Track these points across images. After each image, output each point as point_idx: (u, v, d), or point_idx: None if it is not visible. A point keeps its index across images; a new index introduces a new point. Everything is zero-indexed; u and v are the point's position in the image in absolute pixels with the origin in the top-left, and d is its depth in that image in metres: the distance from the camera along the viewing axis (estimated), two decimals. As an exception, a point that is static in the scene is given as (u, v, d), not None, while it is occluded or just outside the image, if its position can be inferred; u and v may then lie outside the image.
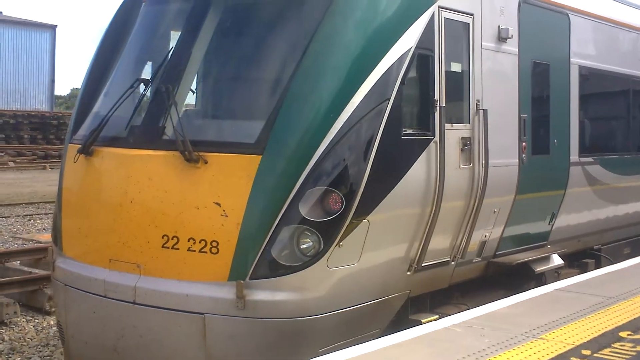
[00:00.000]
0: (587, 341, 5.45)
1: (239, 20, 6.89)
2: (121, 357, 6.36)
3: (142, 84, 6.91)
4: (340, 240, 5.93)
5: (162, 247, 6.16)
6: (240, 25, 6.88)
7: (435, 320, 6.43)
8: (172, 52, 6.88)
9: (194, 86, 7.00)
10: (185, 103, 6.82)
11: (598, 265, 9.75)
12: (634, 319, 6.10)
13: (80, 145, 6.88)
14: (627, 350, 5.25)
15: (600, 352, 5.22)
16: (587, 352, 5.19)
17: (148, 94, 6.89)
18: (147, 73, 7.18)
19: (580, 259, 9.92)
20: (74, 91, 69.42)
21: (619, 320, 6.05)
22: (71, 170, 7.08)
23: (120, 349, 6.34)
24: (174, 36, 7.24)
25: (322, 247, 5.85)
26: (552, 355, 5.12)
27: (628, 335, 5.63)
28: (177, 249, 6.09)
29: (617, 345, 5.39)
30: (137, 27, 7.54)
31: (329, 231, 5.88)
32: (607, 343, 5.42)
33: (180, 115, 6.43)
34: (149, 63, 7.33)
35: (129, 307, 6.22)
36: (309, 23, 6.35)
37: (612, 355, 5.14)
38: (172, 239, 6.11)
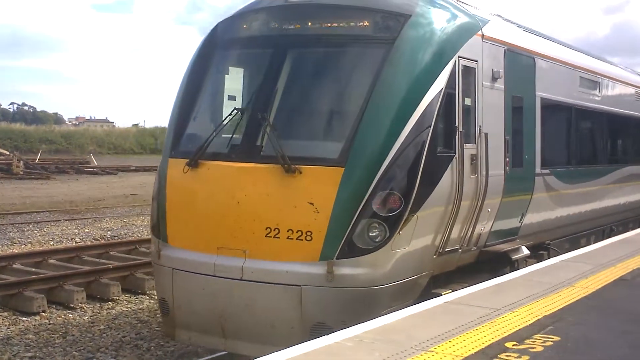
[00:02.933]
0: (475, 352, 5.55)
1: (317, 64, 9.14)
2: (226, 322, 8.23)
3: (239, 112, 8.74)
4: (400, 230, 7.88)
5: (265, 236, 8.02)
6: (318, 67, 9.12)
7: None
8: (261, 88, 8.87)
9: (284, 115, 8.73)
10: (277, 128, 8.46)
11: (548, 256, 11.57)
12: (519, 329, 6.26)
13: (183, 159, 8.71)
14: (513, 361, 5.39)
15: (488, 363, 5.33)
16: (475, 364, 5.29)
17: (245, 120, 8.71)
18: (233, 104, 9.20)
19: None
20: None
21: (504, 331, 6.19)
22: (178, 179, 8.78)
23: (226, 315, 8.20)
24: (253, 75, 9.50)
25: (387, 234, 7.81)
26: (442, 367, 5.19)
27: (513, 345, 5.77)
28: (278, 237, 7.96)
29: (503, 355, 5.51)
30: (221, 67, 9.65)
31: (393, 223, 7.86)
32: (493, 354, 5.54)
33: (277, 138, 8.19)
34: (234, 96, 9.54)
35: (237, 283, 8.08)
36: (373, 69, 8.35)
37: (498, 366, 5.25)
38: (273, 230, 7.98)
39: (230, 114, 8.74)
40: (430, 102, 8.30)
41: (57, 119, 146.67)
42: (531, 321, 6.55)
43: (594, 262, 9.94)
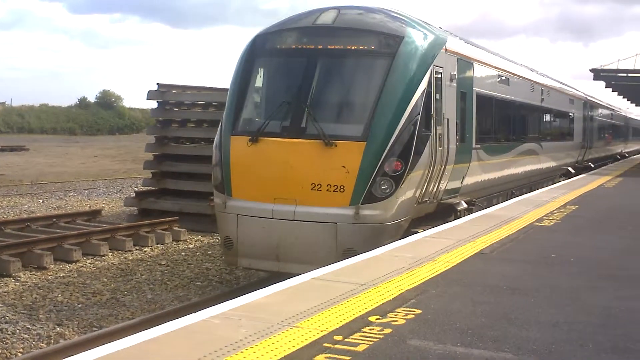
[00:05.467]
0: (339, 327, 5.67)
1: (339, 70, 12.34)
2: (280, 251, 11.42)
3: (286, 103, 11.93)
4: (401, 184, 11.31)
5: (311, 190, 11.30)
6: (341, 72, 12.37)
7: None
8: (300, 86, 11.99)
9: (319, 106, 11.95)
10: (316, 115, 11.68)
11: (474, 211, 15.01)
12: (382, 303, 6.44)
13: (244, 137, 11.83)
14: (376, 334, 5.53)
15: (351, 336, 5.44)
16: (339, 338, 5.39)
17: (291, 109, 11.85)
18: (276, 98, 12.32)
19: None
20: None
21: (368, 305, 6.35)
22: (242, 149, 11.81)
23: (281, 246, 11.39)
24: (291, 77, 12.50)
25: (394, 188, 11.24)
26: (306, 342, 5.26)
27: (377, 319, 5.93)
28: (320, 190, 11.27)
29: (366, 329, 5.65)
30: (265, 66, 12.79)
31: (397, 180, 11.28)
32: (357, 328, 5.67)
33: (318, 121, 11.51)
34: (276, 92, 12.55)
35: (290, 222, 11.29)
36: (381, 74, 11.72)
37: (361, 340, 5.37)
38: (317, 185, 11.29)
39: (280, 105, 11.97)
40: (418, 98, 11.71)
41: None
42: (394, 295, 6.74)
43: (456, 237, 10.35)
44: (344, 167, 11.19)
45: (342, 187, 11.16)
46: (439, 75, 12.73)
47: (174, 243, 17.64)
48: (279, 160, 11.50)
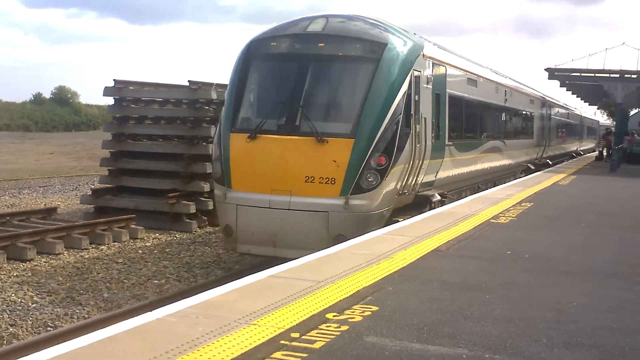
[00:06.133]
0: (297, 324, 5.68)
1: (329, 73, 13.50)
2: (276, 237, 12.45)
3: (282, 103, 13.02)
4: (386, 177, 12.47)
5: (305, 182, 12.37)
6: (331, 75, 13.52)
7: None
8: (293, 88, 13.09)
9: (312, 106, 13.04)
10: (309, 114, 12.80)
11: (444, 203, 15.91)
12: (339, 301, 6.46)
13: (243, 134, 12.90)
14: (333, 331, 5.55)
15: (308, 334, 5.46)
16: (296, 335, 5.40)
17: (286, 109, 12.95)
18: (271, 99, 13.48)
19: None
20: None
21: (326, 302, 6.37)
22: (241, 146, 12.86)
23: (278, 233, 12.44)
24: (284, 79, 13.60)
25: (379, 180, 12.40)
26: (263, 340, 5.25)
27: (334, 316, 5.95)
28: (313, 182, 12.35)
29: (323, 326, 5.66)
30: (261, 69, 13.83)
31: (382, 173, 12.44)
32: (314, 325, 5.68)
33: (311, 120, 12.58)
34: (271, 93, 13.61)
35: (285, 211, 12.36)
36: (367, 77, 12.83)
37: (318, 337, 5.39)
38: (310, 177, 12.37)
39: (276, 105, 13.10)
40: (400, 99, 12.86)
41: None
42: (351, 292, 6.77)
43: (414, 234, 10.42)
44: (334, 161, 12.33)
45: (333, 179, 12.31)
46: (418, 79, 13.93)
47: (131, 241, 17.47)
48: (276, 155, 12.60)
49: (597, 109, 66.51)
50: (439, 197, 15.49)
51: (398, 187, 13.20)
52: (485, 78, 22.01)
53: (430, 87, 14.94)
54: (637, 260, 9.60)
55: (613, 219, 13.99)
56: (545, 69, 35.91)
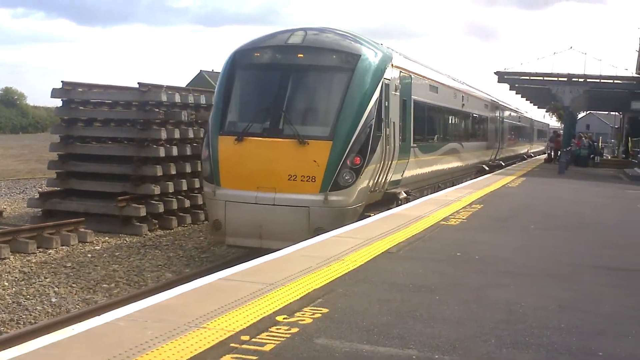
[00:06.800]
0: (247, 327, 5.65)
1: (309, 81, 14.82)
2: (263, 229, 13.62)
3: (266, 109, 14.31)
4: (360, 175, 13.84)
5: (288, 180, 13.63)
6: (310, 83, 14.85)
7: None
8: (276, 95, 14.36)
9: (293, 111, 14.36)
10: (291, 119, 14.17)
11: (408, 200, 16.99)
12: (290, 303, 6.44)
13: (230, 137, 14.12)
14: (283, 333, 5.53)
15: (258, 336, 5.43)
16: (245, 338, 5.37)
17: (270, 114, 14.26)
18: (256, 105, 14.63)
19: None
20: None
21: (276, 305, 6.35)
22: (229, 147, 14.08)
23: (264, 225, 13.61)
24: (267, 87, 14.80)
25: (354, 178, 13.76)
26: (213, 343, 5.21)
27: (284, 319, 5.94)
28: (295, 180, 13.62)
29: (273, 329, 5.65)
30: (246, 78, 15.03)
31: (357, 172, 13.78)
32: (264, 327, 5.66)
33: (293, 124, 13.97)
34: (256, 100, 14.74)
35: (270, 207, 13.57)
36: (343, 85, 14.27)
37: (268, 339, 5.36)
38: (293, 176, 13.64)
39: (261, 110, 14.36)
40: (372, 105, 14.31)
41: None
42: (302, 295, 6.76)
43: (365, 236, 10.45)
44: (314, 161, 13.65)
45: (313, 177, 13.63)
46: (388, 86, 15.35)
47: (80, 245, 17.20)
48: (261, 156, 13.88)
49: (546, 111, 67.62)
50: (404, 195, 16.66)
51: (370, 184, 14.56)
52: (444, 85, 23.66)
53: (398, 94, 16.36)
54: (581, 260, 9.80)
55: (559, 220, 14.25)
56: (495, 73, 36.33)
